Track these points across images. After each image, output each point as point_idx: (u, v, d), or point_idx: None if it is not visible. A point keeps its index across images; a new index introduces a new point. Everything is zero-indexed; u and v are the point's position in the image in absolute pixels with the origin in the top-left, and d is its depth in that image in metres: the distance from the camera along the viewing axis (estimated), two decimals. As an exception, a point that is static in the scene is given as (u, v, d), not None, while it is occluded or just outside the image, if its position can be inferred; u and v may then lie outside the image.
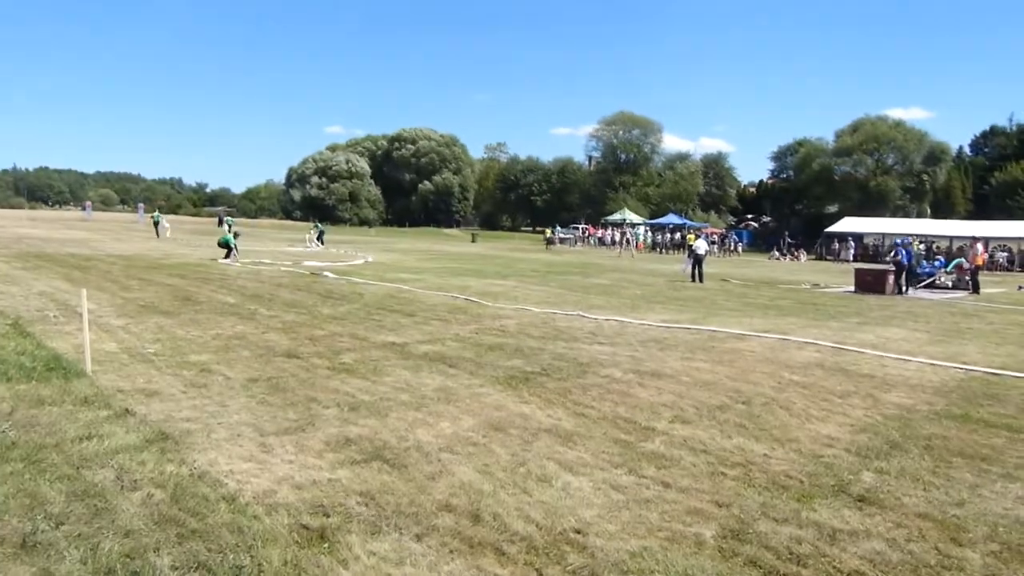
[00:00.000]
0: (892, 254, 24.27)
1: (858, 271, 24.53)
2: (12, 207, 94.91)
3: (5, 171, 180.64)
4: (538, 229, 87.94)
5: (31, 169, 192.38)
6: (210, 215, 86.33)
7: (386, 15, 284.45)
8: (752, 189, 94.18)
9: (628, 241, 53.25)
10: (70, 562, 3.71)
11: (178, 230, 51.47)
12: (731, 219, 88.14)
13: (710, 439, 6.23)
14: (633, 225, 63.56)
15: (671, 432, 6.40)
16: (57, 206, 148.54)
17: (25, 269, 19.71)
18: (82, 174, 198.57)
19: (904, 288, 22.68)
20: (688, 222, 64.30)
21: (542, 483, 5.07)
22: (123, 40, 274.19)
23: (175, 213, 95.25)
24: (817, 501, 4.89)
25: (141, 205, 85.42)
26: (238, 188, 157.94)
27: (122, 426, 5.96)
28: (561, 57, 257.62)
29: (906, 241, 25.86)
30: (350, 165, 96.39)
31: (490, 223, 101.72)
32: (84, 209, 78.81)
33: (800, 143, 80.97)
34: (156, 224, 45.10)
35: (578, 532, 4.30)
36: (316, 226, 44.61)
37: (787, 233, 56.33)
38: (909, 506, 4.86)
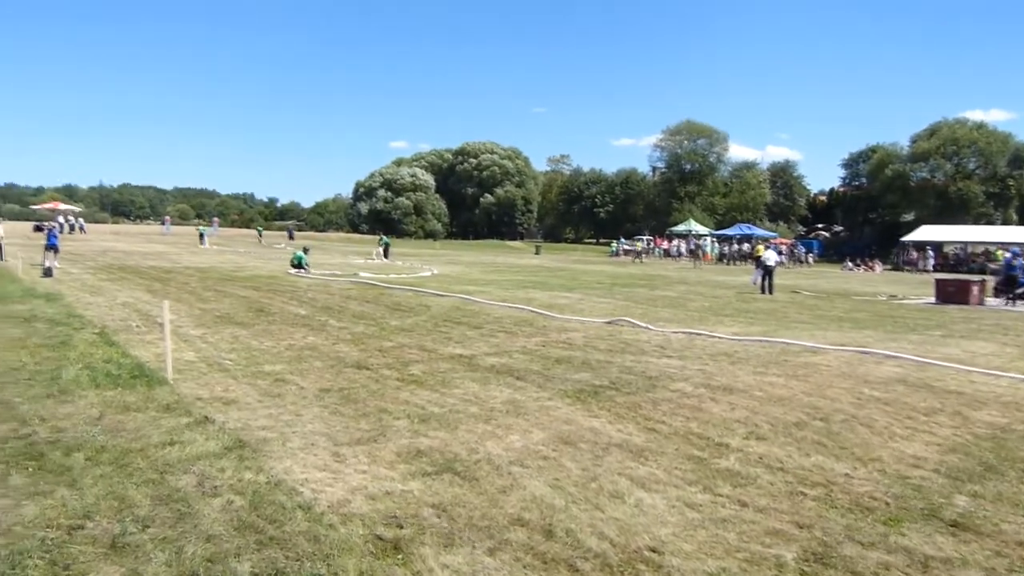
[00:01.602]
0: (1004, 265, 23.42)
1: (939, 281, 23.64)
2: (98, 222, 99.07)
3: (92, 188, 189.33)
4: (602, 241, 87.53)
5: (115, 185, 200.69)
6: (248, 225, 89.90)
7: (448, 32, 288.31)
8: (822, 198, 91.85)
9: (699, 252, 52.27)
10: (156, 564, 3.80)
11: (244, 242, 53.92)
12: (801, 229, 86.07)
13: (787, 457, 6.03)
14: (699, 236, 62.66)
15: (746, 449, 6.23)
16: (138, 220, 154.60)
17: (110, 280, 20.55)
18: (161, 190, 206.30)
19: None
20: (756, 231, 63.04)
21: (615, 499, 4.98)
22: (196, 63, 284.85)
23: (247, 227, 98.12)
24: (906, 525, 4.67)
25: (216, 219, 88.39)
26: (307, 202, 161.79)
27: (202, 433, 6.11)
28: (621, 69, 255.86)
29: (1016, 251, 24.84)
30: (415, 178, 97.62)
31: (553, 235, 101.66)
32: (163, 223, 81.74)
33: (873, 149, 78.62)
34: (201, 236, 52.87)
35: (653, 551, 4.19)
36: (382, 239, 45.33)
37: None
38: (1009, 533, 4.59)
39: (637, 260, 52.58)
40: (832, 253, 66.18)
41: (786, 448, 6.28)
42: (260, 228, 71.31)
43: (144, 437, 5.94)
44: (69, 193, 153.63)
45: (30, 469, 5.12)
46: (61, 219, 59.67)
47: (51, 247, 24.20)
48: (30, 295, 15.44)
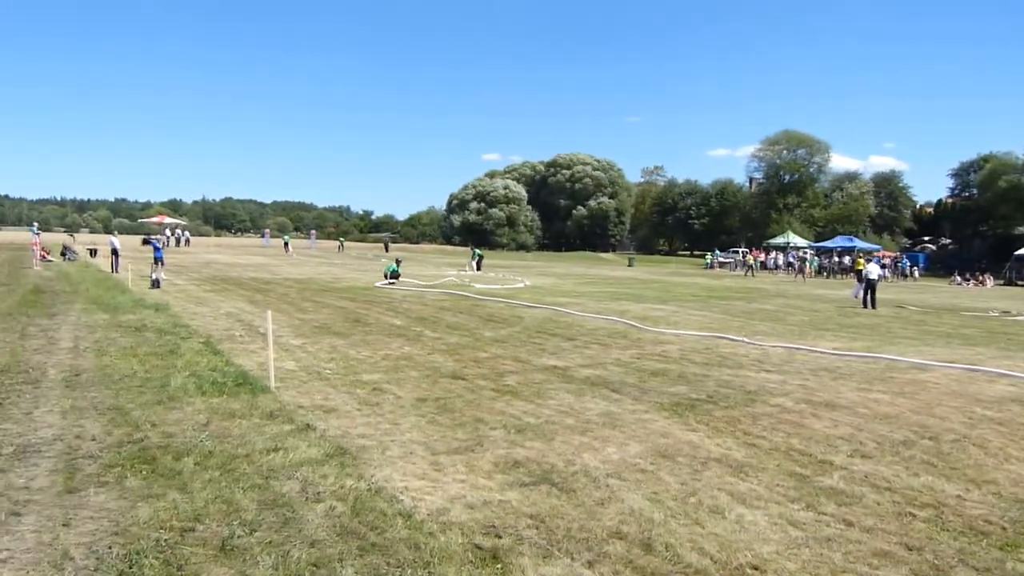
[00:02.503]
0: None
1: (1058, 298, 22.23)
2: (201, 235, 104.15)
3: (195, 202, 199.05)
4: (696, 253, 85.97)
5: (217, 200, 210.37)
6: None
7: (539, 45, 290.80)
8: (929, 209, 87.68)
9: (803, 265, 50.33)
10: (263, 567, 3.97)
11: (338, 254, 55.57)
12: (906, 241, 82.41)
13: (894, 476, 5.83)
14: (798, 248, 60.82)
15: (850, 467, 6.05)
16: (239, 233, 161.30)
17: (214, 291, 21.48)
18: (261, 203, 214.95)
19: None
20: (858, 244, 60.69)
21: (714, 514, 4.92)
22: (293, 83, 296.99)
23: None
24: (1025, 551, 4.45)
25: (313, 232, 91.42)
26: (402, 215, 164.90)
27: (304, 440, 6.34)
28: (717, 78, 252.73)
29: None
30: (507, 190, 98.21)
31: (646, 247, 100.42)
32: (263, 236, 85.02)
33: (985, 159, 74.55)
34: (286, 244, 61.42)
35: (755, 568, 4.13)
36: (475, 252, 45.90)
37: None
38: None
39: (749, 274, 50.74)
40: (939, 267, 63.10)
41: (893, 467, 6.07)
42: (342, 239, 77.54)
43: (249, 443, 6.20)
44: (175, 207, 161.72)
45: (143, 472, 5.42)
46: (168, 232, 63.03)
47: (158, 259, 25.60)
48: (140, 305, 16.27)
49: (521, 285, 29.23)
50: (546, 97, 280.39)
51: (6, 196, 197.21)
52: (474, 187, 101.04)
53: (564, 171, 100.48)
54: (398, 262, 29.21)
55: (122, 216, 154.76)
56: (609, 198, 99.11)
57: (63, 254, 36.05)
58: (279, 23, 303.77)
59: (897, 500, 5.29)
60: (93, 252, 38.57)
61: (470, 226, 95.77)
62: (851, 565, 4.20)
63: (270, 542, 4.27)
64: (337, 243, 73.65)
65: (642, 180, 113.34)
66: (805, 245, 62.67)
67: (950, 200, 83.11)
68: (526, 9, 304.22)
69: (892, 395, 9.08)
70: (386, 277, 27.38)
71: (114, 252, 29.96)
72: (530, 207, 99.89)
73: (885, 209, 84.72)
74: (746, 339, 13.82)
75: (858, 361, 11.76)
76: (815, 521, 4.85)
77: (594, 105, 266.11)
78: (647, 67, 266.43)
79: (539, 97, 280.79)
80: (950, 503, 5.26)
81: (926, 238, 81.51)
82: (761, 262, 60.89)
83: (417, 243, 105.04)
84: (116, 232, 37.70)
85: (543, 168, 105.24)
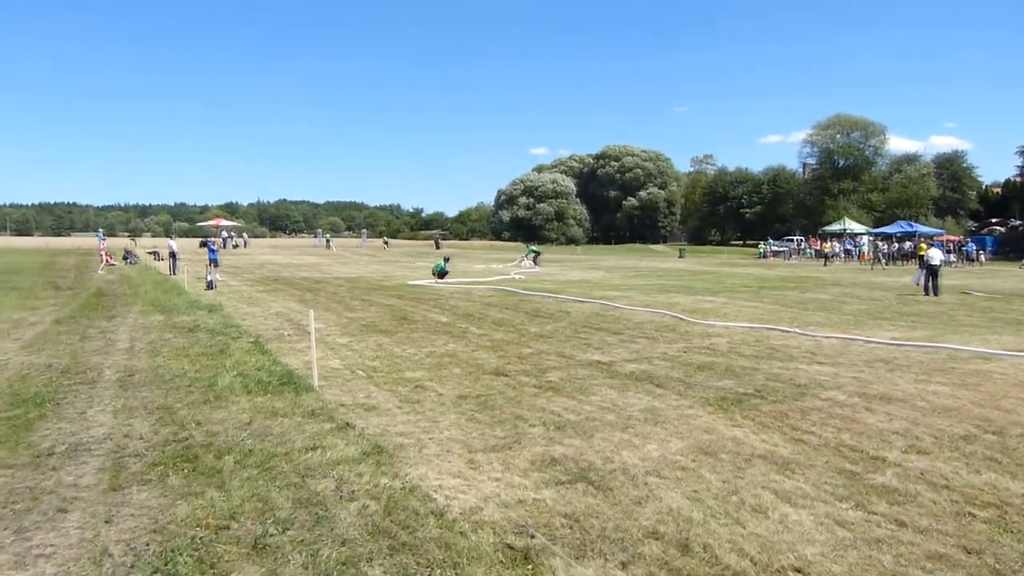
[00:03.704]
0: None
1: None
2: (257, 236, 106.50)
3: (251, 204, 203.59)
4: (749, 242, 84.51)
5: (272, 201, 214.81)
6: (426, 237, 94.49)
7: (584, 38, 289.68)
8: (996, 189, 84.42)
9: (878, 253, 48.47)
10: (294, 566, 3.95)
11: (388, 252, 56.07)
12: (972, 224, 79.50)
13: (953, 473, 5.52)
14: (855, 235, 59.16)
15: (905, 463, 5.76)
16: (294, 234, 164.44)
17: (266, 292, 21.84)
18: (314, 204, 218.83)
19: None
20: (919, 228, 58.78)
21: (757, 514, 4.72)
22: (344, 87, 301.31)
23: (394, 236, 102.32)
24: (1096, 553, 4.14)
25: (364, 231, 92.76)
26: (451, 211, 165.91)
27: (343, 438, 6.32)
28: (767, 63, 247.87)
29: None
30: (556, 185, 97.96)
31: (698, 237, 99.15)
32: (316, 236, 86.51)
33: (1056, 134, 71.34)
34: (328, 242, 67.52)
35: (798, 571, 3.94)
36: (530, 249, 45.82)
37: None
38: None
39: (825, 263, 48.65)
40: (1009, 250, 60.79)
41: (952, 463, 5.76)
42: (387, 239, 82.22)
43: (289, 442, 6.22)
44: (231, 210, 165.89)
45: (185, 471, 5.48)
46: (225, 234, 64.56)
47: (212, 261, 26.19)
48: (194, 307, 16.64)
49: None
50: (593, 90, 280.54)
51: (75, 203, 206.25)
52: (522, 182, 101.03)
53: (613, 163, 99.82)
54: (447, 260, 29.22)
55: (182, 220, 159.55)
56: (659, 188, 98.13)
57: (125, 258, 37.18)
58: (329, 29, 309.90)
59: (955, 499, 5.01)
60: (156, 255, 39.63)
61: (519, 221, 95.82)
62: (902, 568, 3.97)
63: (302, 541, 4.26)
64: (382, 242, 75.94)
65: (692, 169, 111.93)
66: (862, 231, 60.92)
67: (1019, 179, 79.89)
68: (572, 3, 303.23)
69: (953, 387, 8.68)
70: (434, 275, 27.42)
71: (172, 255, 30.75)
72: (578, 200, 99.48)
73: (948, 191, 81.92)
74: (798, 330, 13.43)
75: (917, 351, 11.31)
76: (864, 521, 4.61)
77: (642, 97, 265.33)
78: (694, 57, 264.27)
79: (586, 91, 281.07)
80: (1015, 502, 4.96)
81: (994, 220, 78.42)
82: (816, 250, 59.42)
83: (467, 239, 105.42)
84: (175, 235, 38.64)
85: (592, 161, 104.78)
